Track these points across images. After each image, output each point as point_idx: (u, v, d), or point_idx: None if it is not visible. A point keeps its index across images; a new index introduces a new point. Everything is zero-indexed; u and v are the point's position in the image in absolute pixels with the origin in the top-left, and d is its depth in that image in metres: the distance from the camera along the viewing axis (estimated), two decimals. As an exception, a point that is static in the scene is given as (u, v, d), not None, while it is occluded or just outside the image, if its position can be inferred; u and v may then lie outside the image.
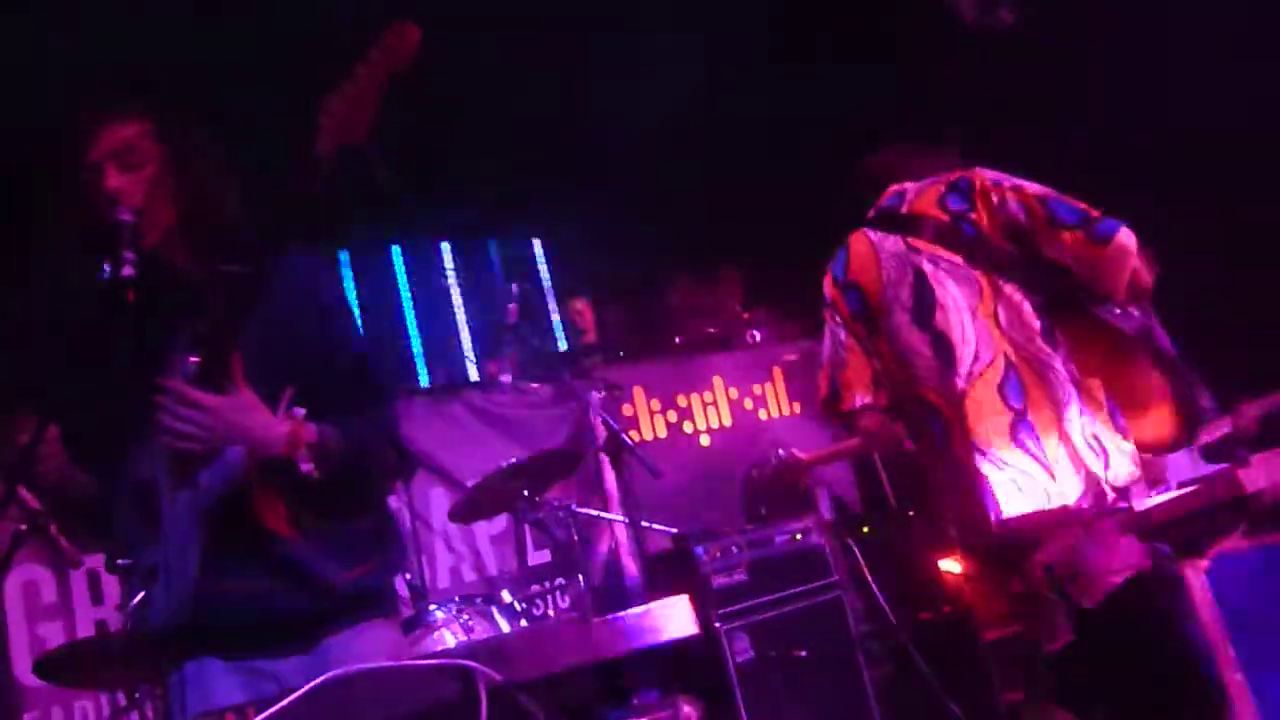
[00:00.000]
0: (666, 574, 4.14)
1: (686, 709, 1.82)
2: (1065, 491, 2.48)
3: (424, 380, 5.75)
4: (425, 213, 5.38)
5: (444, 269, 6.16)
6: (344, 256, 5.84)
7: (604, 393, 4.67)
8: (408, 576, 3.79)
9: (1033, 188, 2.65)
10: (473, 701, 1.27)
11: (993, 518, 2.55)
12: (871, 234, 2.86)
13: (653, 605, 1.62)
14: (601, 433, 4.39)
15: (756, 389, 5.65)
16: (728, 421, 5.56)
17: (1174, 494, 2.37)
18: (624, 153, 5.32)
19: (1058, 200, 2.60)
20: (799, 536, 4.14)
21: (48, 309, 2.01)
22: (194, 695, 1.75)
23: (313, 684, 1.24)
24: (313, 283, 2.00)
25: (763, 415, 5.63)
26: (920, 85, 5.09)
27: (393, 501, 3.77)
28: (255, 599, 1.79)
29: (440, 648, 3.06)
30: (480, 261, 6.40)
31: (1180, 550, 2.25)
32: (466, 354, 5.91)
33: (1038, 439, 2.51)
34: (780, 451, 4.06)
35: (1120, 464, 2.48)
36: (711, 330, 6.07)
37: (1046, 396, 2.52)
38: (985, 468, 2.56)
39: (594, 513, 4.19)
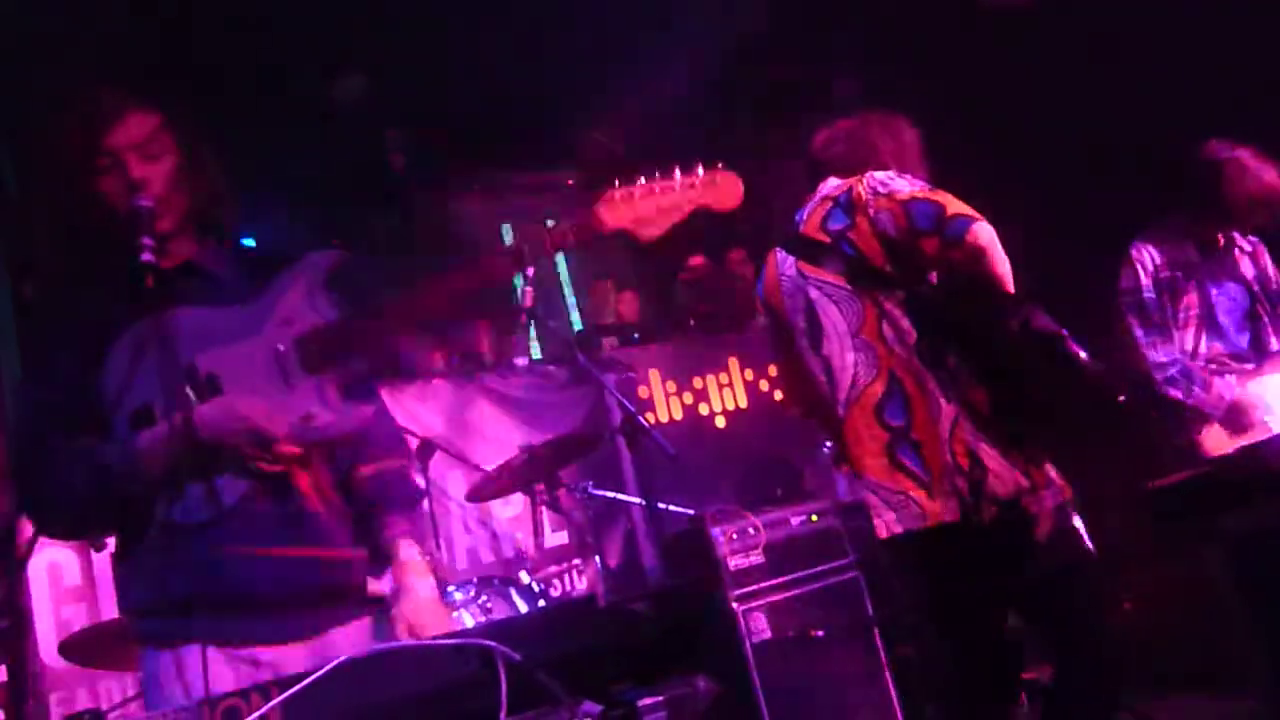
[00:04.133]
0: (683, 555, 4.16)
1: (703, 685, 1.84)
2: (940, 510, 2.46)
3: (437, 363, 5.76)
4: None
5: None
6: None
7: (620, 375, 4.68)
8: (427, 559, 3.82)
9: (905, 191, 2.56)
10: (492, 681, 1.28)
11: (876, 536, 2.58)
12: (779, 254, 2.85)
13: (670, 585, 1.63)
14: (617, 415, 4.40)
15: (772, 370, 5.64)
16: (743, 403, 5.56)
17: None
18: (635, 131, 5.31)
19: (921, 203, 2.52)
20: (815, 518, 4.15)
21: (53, 294, 2.01)
22: (195, 680, 1.75)
23: (333, 664, 1.25)
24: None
25: (778, 396, 5.62)
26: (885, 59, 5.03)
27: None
28: (281, 567, 1.81)
29: (458, 629, 3.08)
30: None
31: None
32: (481, 336, 5.92)
33: (917, 457, 2.49)
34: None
35: (1005, 476, 2.42)
36: (725, 312, 6.07)
37: (928, 413, 2.49)
38: (863, 492, 2.58)
39: (611, 494, 4.20)
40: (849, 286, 2.63)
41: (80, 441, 1.80)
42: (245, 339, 1.85)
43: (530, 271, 4.76)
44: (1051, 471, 2.51)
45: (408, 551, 1.96)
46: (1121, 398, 2.49)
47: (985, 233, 2.46)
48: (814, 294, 2.71)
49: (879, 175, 2.64)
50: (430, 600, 1.94)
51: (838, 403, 2.64)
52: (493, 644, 1.27)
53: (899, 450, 2.52)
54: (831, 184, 2.78)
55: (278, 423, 1.79)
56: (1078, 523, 2.54)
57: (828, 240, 2.67)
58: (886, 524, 2.54)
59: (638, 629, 1.43)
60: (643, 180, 1.84)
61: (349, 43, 4.58)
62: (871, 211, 2.58)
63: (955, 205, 2.50)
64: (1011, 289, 2.48)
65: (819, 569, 4.03)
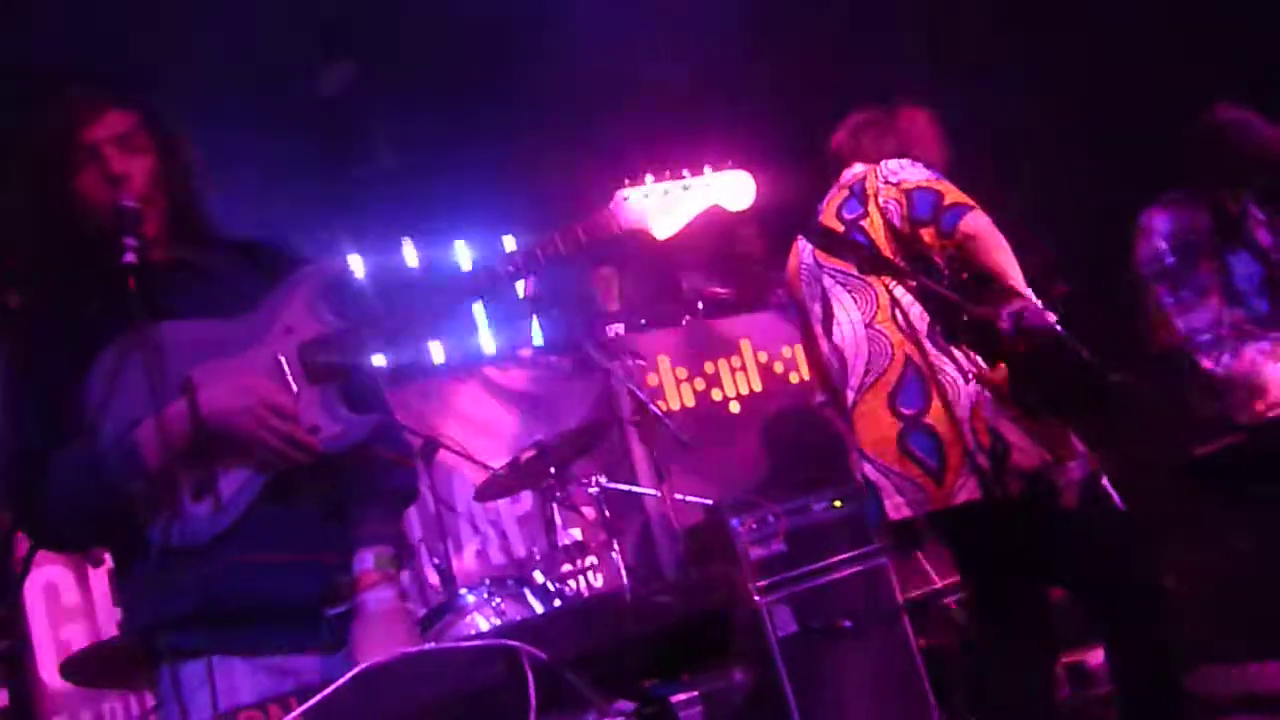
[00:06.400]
0: (702, 547, 4.17)
1: (739, 677, 1.85)
2: (950, 494, 2.57)
3: (437, 358, 5.78)
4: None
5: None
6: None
7: (628, 362, 4.68)
8: (435, 561, 3.83)
9: (912, 179, 2.69)
10: (519, 682, 1.29)
11: (880, 518, 2.69)
12: (800, 242, 3.00)
13: (691, 578, 1.65)
14: (627, 404, 4.40)
15: (786, 351, 5.64)
16: (757, 386, 5.56)
17: None
18: (632, 110, 5.29)
19: (922, 193, 2.65)
20: (838, 503, 4.16)
21: (35, 300, 2.00)
22: (222, 693, 1.76)
23: (354, 671, 1.27)
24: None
25: (794, 379, 5.62)
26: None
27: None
28: (278, 573, 1.81)
29: (473, 633, 3.10)
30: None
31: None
32: (481, 329, 5.93)
33: (932, 443, 2.59)
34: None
35: (1027, 451, 2.52)
36: (734, 292, 6.06)
37: (944, 398, 2.58)
38: (874, 475, 2.69)
39: (624, 487, 4.21)
40: (861, 275, 2.76)
41: (73, 446, 1.79)
42: (245, 350, 1.85)
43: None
44: (1077, 442, 2.60)
45: (362, 561, 1.87)
46: (1118, 384, 2.57)
47: (976, 222, 2.57)
48: (828, 282, 2.84)
49: (892, 164, 2.76)
50: (378, 616, 1.83)
51: (849, 388, 2.74)
52: (518, 644, 1.28)
53: (910, 438, 2.62)
54: (851, 172, 2.92)
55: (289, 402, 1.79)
56: (1109, 489, 2.65)
57: (842, 229, 2.79)
58: (896, 506, 2.66)
59: (665, 623, 1.44)
60: (652, 179, 1.88)
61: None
62: (881, 201, 2.71)
63: (953, 195, 2.62)
64: (1011, 278, 2.56)
65: (845, 556, 4.04)
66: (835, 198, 2.90)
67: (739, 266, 6.22)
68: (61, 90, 1.94)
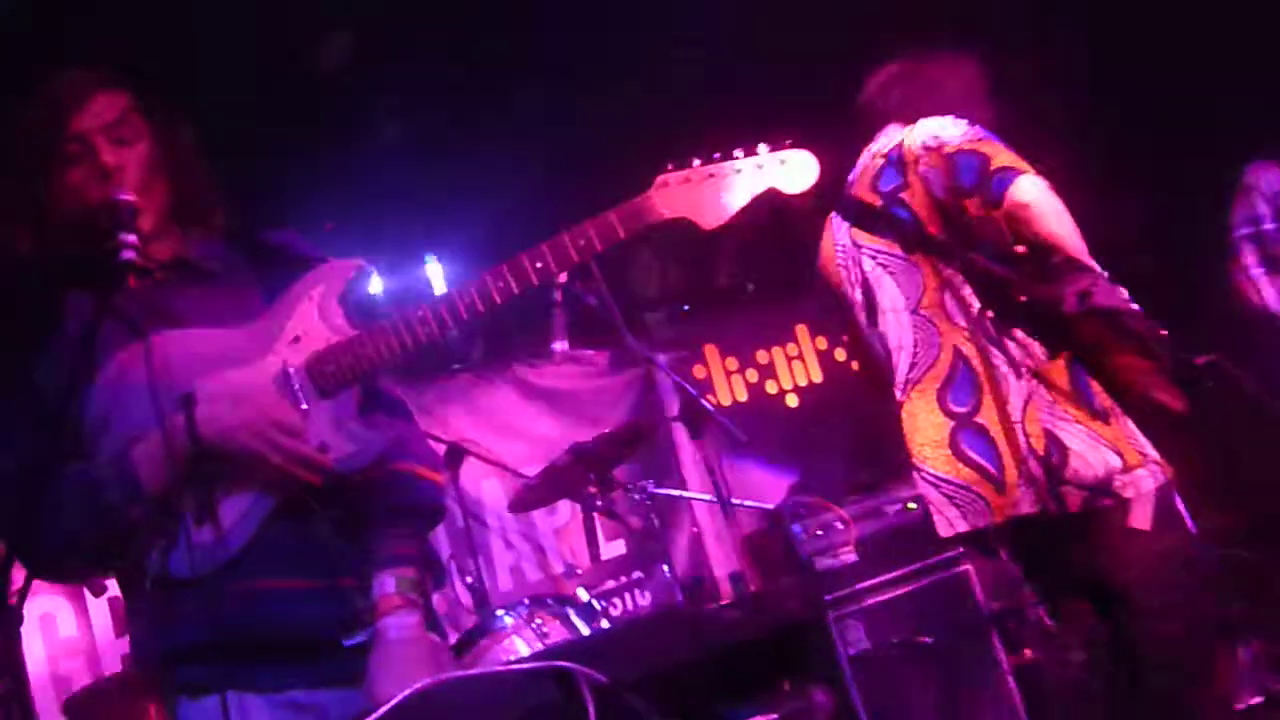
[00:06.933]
0: (761, 558, 4.20)
1: (821, 698, 1.89)
2: (1013, 501, 2.47)
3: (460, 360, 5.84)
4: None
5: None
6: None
7: (672, 355, 4.73)
8: (468, 579, 3.91)
9: (954, 141, 2.56)
10: (576, 707, 1.33)
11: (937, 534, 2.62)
12: (834, 220, 2.89)
13: (755, 591, 1.69)
14: (672, 401, 4.45)
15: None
16: (817, 377, 5.59)
17: None
18: (671, 80, 5.30)
19: (965, 157, 2.52)
20: (912, 505, 4.16)
21: (26, 306, 2.06)
22: None
23: (401, 695, 1.33)
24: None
25: (857, 366, 5.63)
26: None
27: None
28: (291, 600, 1.85)
29: (512, 658, 3.16)
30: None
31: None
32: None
33: (985, 444, 2.51)
34: None
35: (1091, 457, 2.42)
36: (788, 271, 6.07)
37: (997, 394, 2.51)
38: (923, 486, 2.62)
39: (674, 493, 4.25)
40: (905, 255, 2.67)
41: (69, 467, 1.83)
42: (251, 360, 1.88)
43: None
44: (1148, 448, 2.49)
45: (382, 585, 1.88)
46: (1207, 381, 2.45)
47: (1029, 189, 2.45)
48: (868, 264, 2.75)
49: (931, 124, 2.65)
50: (398, 644, 1.84)
51: (895, 385, 2.68)
52: (574, 666, 1.33)
53: (963, 438, 2.54)
54: (886, 136, 2.80)
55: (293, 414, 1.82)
56: (1182, 511, 2.53)
57: (879, 203, 2.70)
58: (949, 521, 2.58)
59: (735, 640, 1.49)
60: (699, 162, 1.88)
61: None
62: (921, 169, 2.61)
63: (1002, 157, 2.50)
64: (1073, 250, 2.46)
65: (922, 564, 4.05)
66: (870, 167, 2.79)
67: (792, 242, 6.23)
68: (44, 73, 1.99)
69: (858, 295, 2.81)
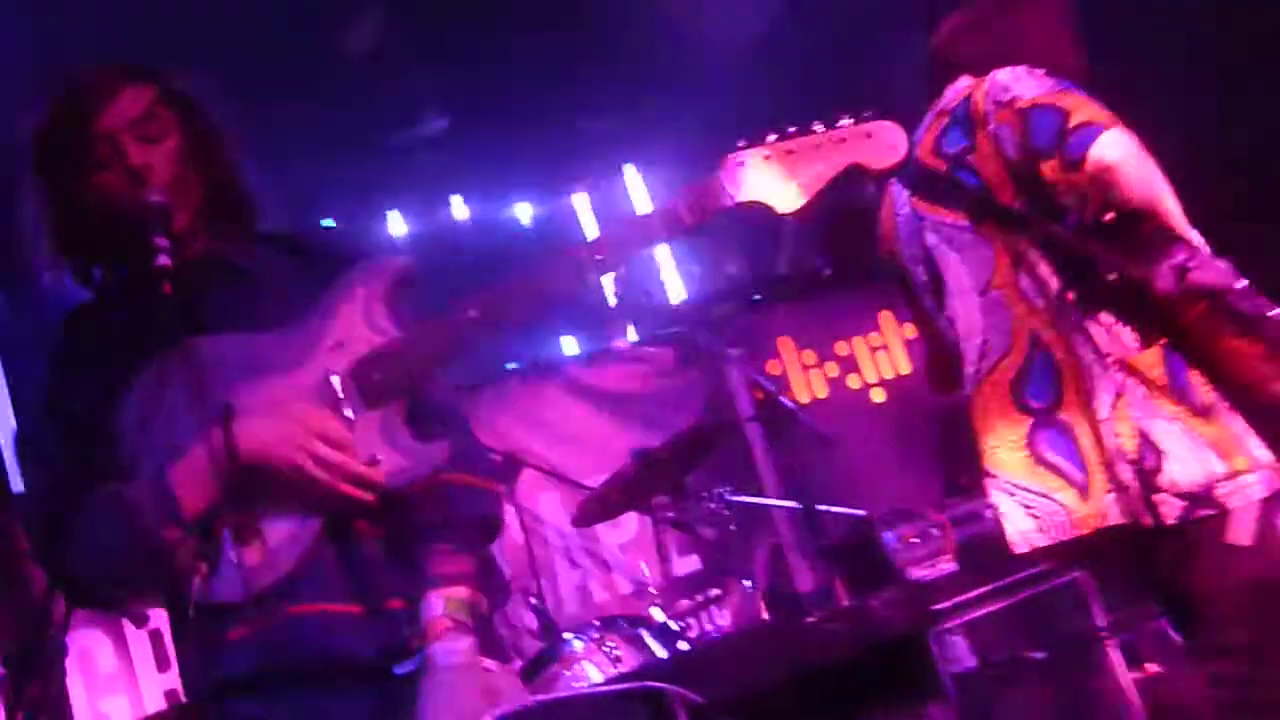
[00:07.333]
0: (849, 568, 4.19)
1: (936, 716, 1.90)
2: (1099, 512, 2.39)
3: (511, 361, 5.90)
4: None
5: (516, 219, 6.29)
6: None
7: (742, 349, 4.73)
8: (532, 601, 3.95)
9: (1029, 94, 2.44)
10: (669, 730, 1.36)
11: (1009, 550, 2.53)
12: (894, 187, 2.79)
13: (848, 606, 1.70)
14: (745, 400, 4.46)
15: (938, 322, 5.62)
16: (905, 368, 5.55)
17: None
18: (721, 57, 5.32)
19: (1042, 112, 2.40)
20: (1017, 507, 4.13)
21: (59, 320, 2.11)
22: None
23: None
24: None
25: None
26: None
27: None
28: (341, 627, 1.87)
29: (585, 685, 3.19)
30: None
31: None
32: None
33: (1068, 444, 2.43)
34: None
35: (1190, 461, 2.32)
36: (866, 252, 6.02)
37: (1078, 388, 2.41)
38: (995, 495, 2.55)
39: (754, 500, 4.26)
40: (973, 228, 2.58)
41: (105, 488, 1.87)
42: (292, 368, 1.91)
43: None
44: (1259, 450, 2.38)
45: (430, 607, 1.89)
46: None
47: (1115, 147, 2.33)
48: (932, 239, 2.67)
49: (1003, 76, 2.54)
50: (445, 672, 1.84)
51: (965, 377, 2.61)
52: (667, 686, 1.35)
53: (1042, 439, 2.47)
54: (954, 90, 2.69)
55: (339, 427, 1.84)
56: None
57: (944, 167, 2.61)
58: (1024, 535, 2.51)
59: (837, 657, 1.51)
60: (774, 137, 1.87)
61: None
62: (991, 127, 2.51)
63: (1084, 111, 2.38)
64: (1168, 218, 2.38)
65: (1030, 572, 4.02)
66: (934, 126, 2.68)
67: (868, 217, 6.19)
68: (65, 69, 2.04)
69: (921, 274, 2.73)
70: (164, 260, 1.82)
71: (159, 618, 2.60)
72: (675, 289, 6.01)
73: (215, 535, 1.82)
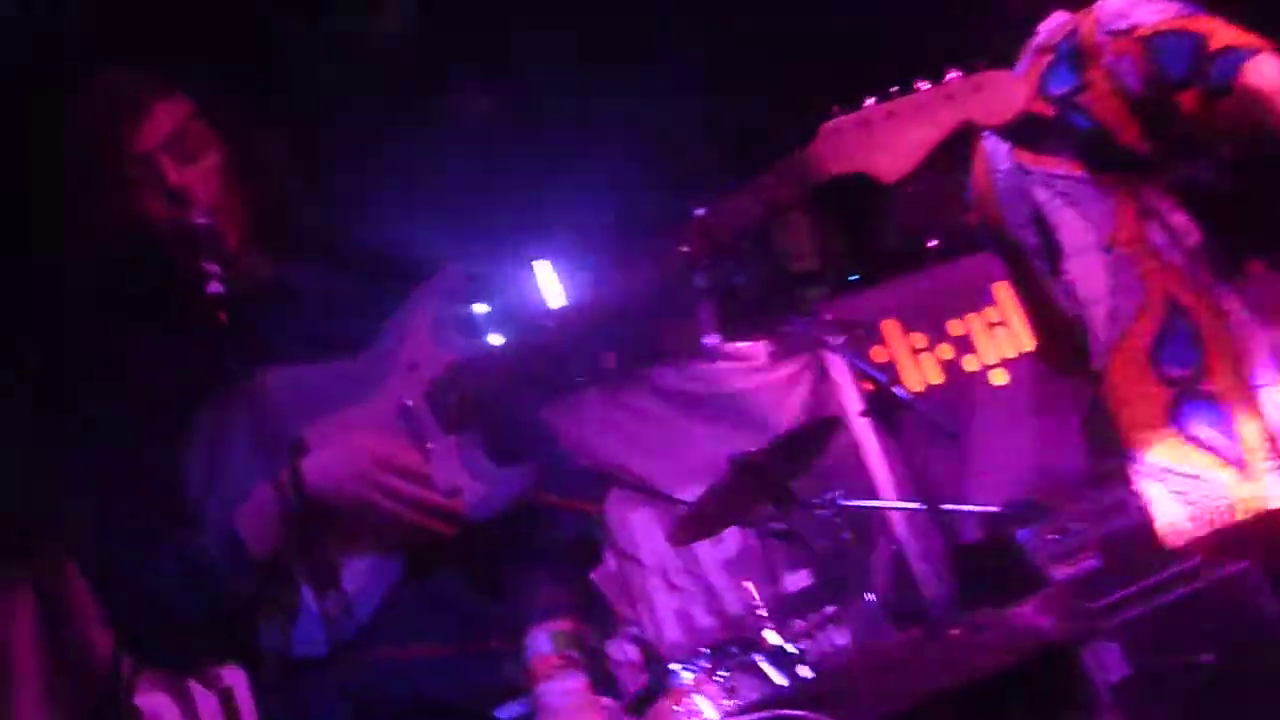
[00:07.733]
0: (981, 572, 4.14)
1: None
2: (1263, 493, 2.38)
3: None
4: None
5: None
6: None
7: (844, 335, 4.68)
8: (634, 631, 3.94)
9: (1152, 19, 2.41)
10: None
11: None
12: (988, 142, 2.78)
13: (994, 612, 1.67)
14: (853, 393, 4.42)
15: (1061, 292, 5.55)
16: (1029, 344, 5.47)
17: None
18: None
19: (1170, 38, 2.38)
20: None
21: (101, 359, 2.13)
22: None
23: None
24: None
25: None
26: None
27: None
28: (432, 670, 1.87)
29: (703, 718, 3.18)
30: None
31: None
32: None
33: (1219, 417, 2.41)
34: None
35: None
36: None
37: (1226, 352, 2.41)
38: (1141, 481, 2.53)
39: (871, 504, 4.22)
40: (1091, 177, 2.57)
41: (169, 534, 1.89)
42: (363, 398, 1.93)
43: (697, 213, 4.86)
44: None
45: (536, 644, 1.89)
46: None
47: (1270, 69, 2.29)
48: (1042, 195, 2.66)
49: (1116, 2, 2.52)
50: (564, 713, 1.85)
51: (1092, 350, 2.59)
52: (806, 714, 1.33)
53: (1188, 411, 2.46)
54: (1054, 25, 2.69)
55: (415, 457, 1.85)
56: None
57: (1051, 112, 2.59)
58: (1175, 524, 2.53)
59: (991, 670, 1.47)
60: (874, 100, 1.83)
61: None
62: (1107, 60, 2.49)
63: (1223, 33, 2.35)
64: None
65: (1190, 564, 3.93)
66: (1033, 67, 2.67)
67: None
68: (94, 83, 2.05)
69: (1030, 236, 2.73)
70: (216, 287, 1.84)
71: (230, 675, 2.64)
72: (764, 275, 5.99)
73: (291, 582, 1.85)
